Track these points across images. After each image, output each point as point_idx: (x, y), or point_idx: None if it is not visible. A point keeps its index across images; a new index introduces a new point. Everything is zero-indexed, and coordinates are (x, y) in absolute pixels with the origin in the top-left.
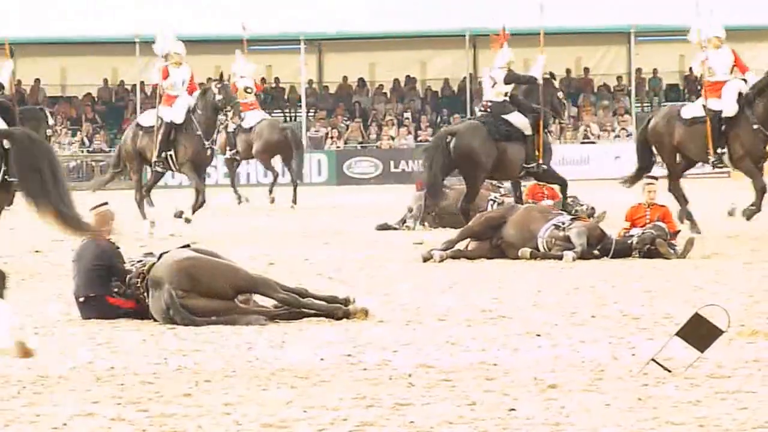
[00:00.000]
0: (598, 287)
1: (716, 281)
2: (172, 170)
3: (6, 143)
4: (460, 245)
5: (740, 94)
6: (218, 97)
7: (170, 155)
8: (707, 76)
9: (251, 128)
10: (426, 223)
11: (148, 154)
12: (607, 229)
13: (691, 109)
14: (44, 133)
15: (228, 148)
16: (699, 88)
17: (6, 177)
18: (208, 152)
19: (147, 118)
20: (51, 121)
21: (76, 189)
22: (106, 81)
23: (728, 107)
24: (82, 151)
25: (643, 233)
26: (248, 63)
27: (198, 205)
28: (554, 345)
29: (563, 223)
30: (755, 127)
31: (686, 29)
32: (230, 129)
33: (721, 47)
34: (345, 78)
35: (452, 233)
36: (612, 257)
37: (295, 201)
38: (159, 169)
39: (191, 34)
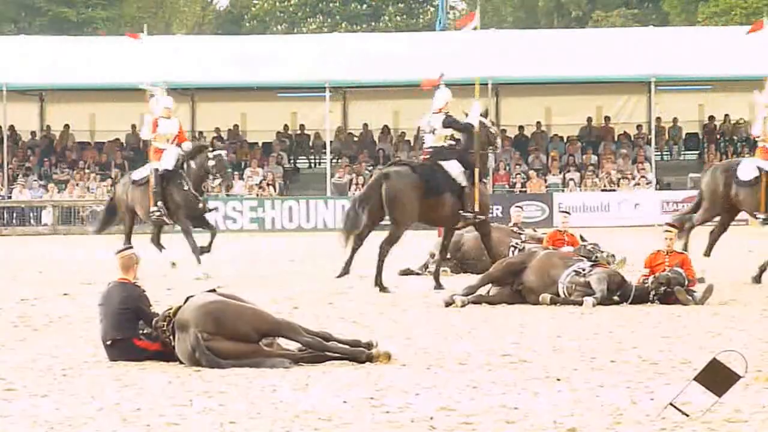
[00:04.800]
0: (617, 332)
1: (733, 327)
2: (166, 221)
3: None
4: (482, 291)
5: None
6: (210, 163)
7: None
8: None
9: None
10: (447, 269)
11: (138, 207)
12: (626, 275)
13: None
14: None
15: None
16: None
17: None
18: (198, 204)
19: (139, 173)
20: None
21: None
22: (134, 127)
23: None
24: None
25: (659, 274)
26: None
27: (202, 250)
28: (574, 389)
29: (584, 269)
30: None
31: (705, 79)
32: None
33: None
34: (369, 125)
35: (473, 279)
36: (631, 303)
37: None
38: (155, 218)
39: (217, 82)
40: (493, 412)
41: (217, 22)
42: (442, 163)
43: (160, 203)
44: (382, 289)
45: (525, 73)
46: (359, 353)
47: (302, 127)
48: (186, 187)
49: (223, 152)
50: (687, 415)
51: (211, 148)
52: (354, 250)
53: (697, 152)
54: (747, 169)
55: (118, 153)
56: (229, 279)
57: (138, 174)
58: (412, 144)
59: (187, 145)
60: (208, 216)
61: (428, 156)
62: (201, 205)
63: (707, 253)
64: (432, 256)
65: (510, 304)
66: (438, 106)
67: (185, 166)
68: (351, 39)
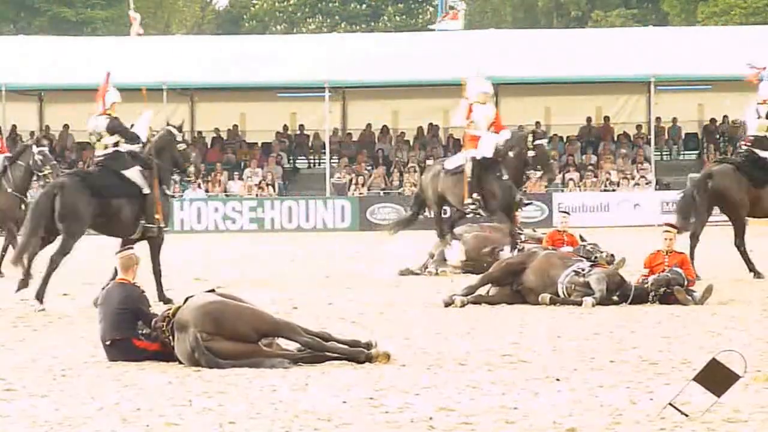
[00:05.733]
0: (617, 332)
1: (733, 327)
2: (482, 213)
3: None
4: (481, 291)
5: None
6: (530, 153)
7: (479, 199)
8: None
9: None
10: (447, 269)
11: (450, 196)
12: (626, 275)
13: None
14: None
15: None
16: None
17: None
18: (516, 197)
19: (452, 161)
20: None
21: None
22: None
23: None
24: None
25: (658, 276)
26: None
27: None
28: (573, 389)
29: (583, 270)
30: None
31: (705, 79)
32: None
33: None
34: (368, 125)
35: (473, 279)
36: (631, 303)
37: None
38: (470, 211)
39: (216, 82)
40: (493, 412)
41: (216, 22)
42: (762, 153)
43: (475, 195)
44: None
45: (524, 73)
46: (358, 353)
47: (302, 127)
48: (505, 177)
49: (545, 140)
50: (686, 415)
51: (531, 138)
52: (692, 247)
53: (696, 152)
54: None
55: None
56: (228, 279)
57: (451, 162)
58: (411, 144)
59: (506, 133)
60: (518, 211)
61: (749, 143)
62: (518, 198)
63: None
64: (431, 256)
65: (509, 304)
66: (763, 97)
67: (504, 155)
68: (350, 39)
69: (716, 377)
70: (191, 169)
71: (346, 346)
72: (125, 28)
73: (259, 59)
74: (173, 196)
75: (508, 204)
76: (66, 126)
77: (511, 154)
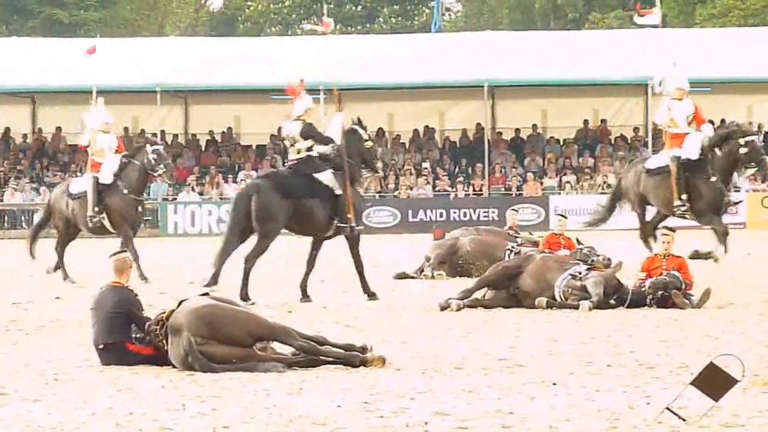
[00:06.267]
0: (614, 336)
1: (731, 331)
2: (688, 216)
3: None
4: (478, 294)
5: None
6: (743, 150)
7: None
8: None
9: None
10: (443, 272)
11: (652, 197)
12: (623, 279)
13: None
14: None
15: None
16: None
17: None
18: (724, 198)
19: (654, 161)
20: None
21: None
22: (126, 129)
23: None
24: None
25: (656, 279)
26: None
27: (722, 245)
28: (570, 393)
29: (580, 273)
30: None
31: (701, 82)
32: None
33: None
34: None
35: (469, 282)
36: (628, 307)
37: None
38: (679, 213)
39: (210, 84)
40: (489, 416)
41: (210, 24)
42: None
43: (684, 196)
44: None
45: (521, 75)
46: (353, 357)
47: None
48: (713, 179)
49: (756, 137)
50: (684, 420)
51: (742, 133)
52: None
53: None
54: None
55: None
56: (223, 282)
57: (653, 162)
58: (407, 146)
59: (708, 128)
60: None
61: None
62: (725, 199)
63: None
64: (428, 259)
65: (506, 308)
66: None
67: (711, 154)
68: (346, 41)
69: (714, 381)
70: (379, 164)
71: (341, 350)
72: (118, 29)
73: (254, 61)
74: (362, 197)
75: (717, 206)
76: (59, 128)
77: (719, 152)
